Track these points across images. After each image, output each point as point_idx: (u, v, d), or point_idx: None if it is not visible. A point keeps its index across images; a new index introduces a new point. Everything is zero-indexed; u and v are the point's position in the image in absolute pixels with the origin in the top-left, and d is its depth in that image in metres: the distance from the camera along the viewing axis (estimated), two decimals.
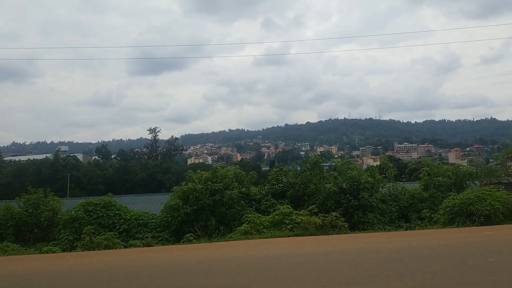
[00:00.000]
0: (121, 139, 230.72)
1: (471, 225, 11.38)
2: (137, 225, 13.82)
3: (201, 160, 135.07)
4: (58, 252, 11.06)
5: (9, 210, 14.09)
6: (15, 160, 73.82)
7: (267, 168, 64.57)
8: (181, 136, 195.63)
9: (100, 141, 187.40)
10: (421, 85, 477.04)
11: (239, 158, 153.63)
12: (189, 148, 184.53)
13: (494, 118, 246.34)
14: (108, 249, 10.71)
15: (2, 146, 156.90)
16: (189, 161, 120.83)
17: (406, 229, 12.60)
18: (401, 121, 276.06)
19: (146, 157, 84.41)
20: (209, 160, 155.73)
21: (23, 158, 78.67)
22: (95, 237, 11.30)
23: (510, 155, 15.73)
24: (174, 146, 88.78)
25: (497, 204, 11.58)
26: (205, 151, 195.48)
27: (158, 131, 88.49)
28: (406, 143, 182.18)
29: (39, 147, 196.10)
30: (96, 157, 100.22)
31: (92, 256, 9.69)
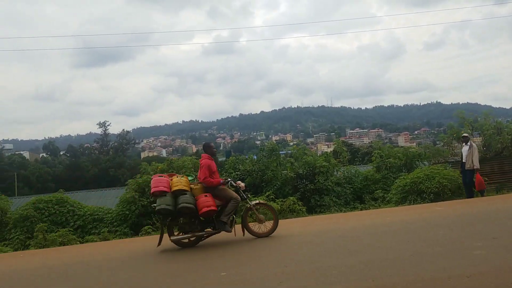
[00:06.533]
0: (69, 135, 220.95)
1: (422, 202, 12.07)
2: (92, 220, 13.34)
3: (155, 153, 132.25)
4: (9, 252, 10.49)
5: None
6: None
7: (223, 158, 64.31)
8: (132, 129, 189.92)
9: (47, 138, 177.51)
10: (369, 71, 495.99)
11: (194, 149, 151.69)
12: (142, 141, 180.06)
13: (439, 102, 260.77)
14: (63, 245, 10.30)
15: None
16: (143, 155, 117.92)
17: (361, 210, 13.13)
18: (352, 108, 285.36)
19: (97, 152, 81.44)
20: (164, 153, 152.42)
21: None
22: (48, 234, 10.80)
23: (454, 135, 16.69)
24: (126, 139, 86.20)
25: (445, 181, 12.35)
26: (159, 144, 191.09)
27: (108, 125, 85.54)
28: (358, 128, 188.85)
29: None
30: (44, 154, 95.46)
31: (47, 253, 9.28)
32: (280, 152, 19.07)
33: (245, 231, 8.12)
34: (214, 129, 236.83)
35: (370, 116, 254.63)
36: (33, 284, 6.40)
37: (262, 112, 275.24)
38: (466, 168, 12.22)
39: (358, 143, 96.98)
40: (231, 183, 8.31)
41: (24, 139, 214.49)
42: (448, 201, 11.79)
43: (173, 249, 7.87)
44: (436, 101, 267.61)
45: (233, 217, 8.08)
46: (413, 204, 12.05)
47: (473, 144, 12.69)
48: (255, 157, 17.93)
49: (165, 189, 7.74)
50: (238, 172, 16.48)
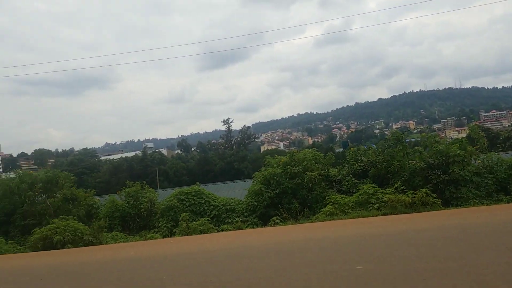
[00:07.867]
0: (198, 132, 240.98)
1: None
2: (225, 210, 14.51)
3: (273, 147, 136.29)
4: (159, 239, 12.03)
5: (113, 203, 15.69)
6: (109, 159, 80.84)
7: (340, 149, 63.11)
8: (252, 124, 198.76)
9: (180, 136, 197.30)
10: (504, 45, 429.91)
11: (310, 141, 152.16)
12: (261, 135, 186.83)
13: None
14: (203, 233, 11.40)
15: (97, 147, 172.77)
16: (262, 148, 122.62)
17: (507, 202, 11.68)
18: (486, 87, 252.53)
19: (223, 147, 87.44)
20: (281, 145, 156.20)
21: (116, 156, 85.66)
22: (190, 223, 12.08)
23: None
24: (247, 135, 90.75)
25: None
26: (277, 137, 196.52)
27: (231, 122, 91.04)
28: (494, 110, 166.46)
29: (129, 145, 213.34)
30: (178, 151, 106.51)
31: (191, 241, 10.41)
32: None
33: None
34: (330, 120, 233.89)
35: (508, 95, 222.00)
36: (184, 267, 7.23)
37: (379, 99, 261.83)
38: None
39: (496, 127, 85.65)
40: None
41: (161, 138, 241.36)
42: None
43: (304, 240, 8.04)
44: None
45: None
46: None
47: None
48: (374, 145, 17.20)
49: None
50: (361, 164, 16.03)
